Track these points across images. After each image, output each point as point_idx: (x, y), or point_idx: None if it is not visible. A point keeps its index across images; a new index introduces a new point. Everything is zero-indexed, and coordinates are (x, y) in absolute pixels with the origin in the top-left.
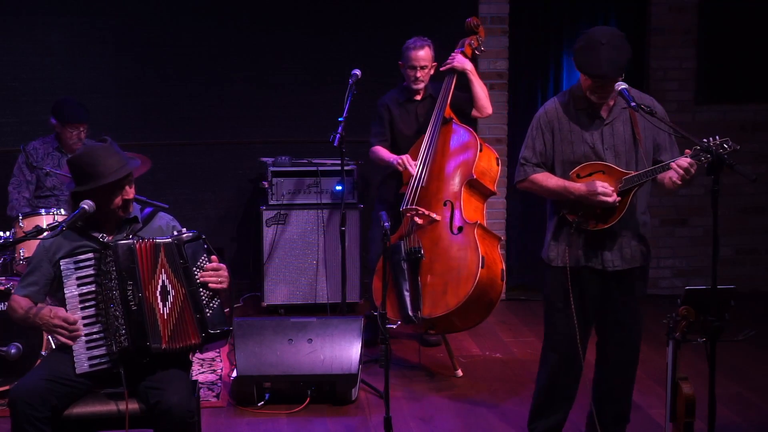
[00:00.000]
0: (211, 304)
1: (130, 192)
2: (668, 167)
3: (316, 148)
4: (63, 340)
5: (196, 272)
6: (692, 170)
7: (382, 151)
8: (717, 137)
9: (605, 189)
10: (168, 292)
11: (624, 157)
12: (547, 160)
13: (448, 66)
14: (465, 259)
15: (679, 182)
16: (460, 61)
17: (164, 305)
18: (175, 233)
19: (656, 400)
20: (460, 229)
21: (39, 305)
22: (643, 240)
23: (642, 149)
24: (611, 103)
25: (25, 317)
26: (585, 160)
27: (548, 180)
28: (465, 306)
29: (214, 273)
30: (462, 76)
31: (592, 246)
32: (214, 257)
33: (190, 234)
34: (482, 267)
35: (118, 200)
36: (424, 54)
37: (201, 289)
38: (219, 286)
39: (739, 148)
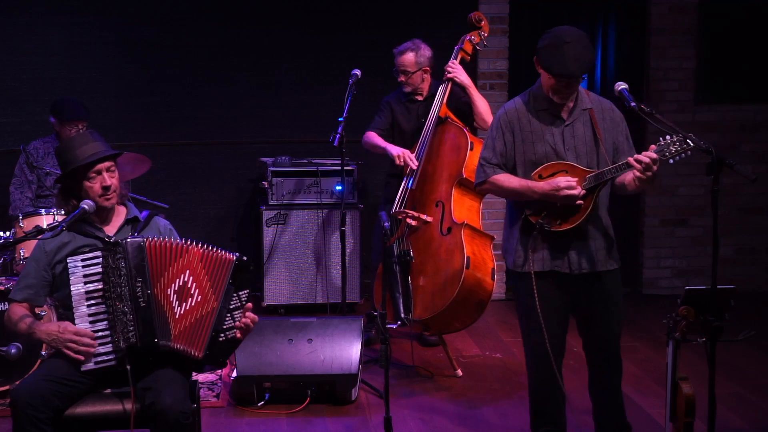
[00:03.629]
0: (228, 334)
1: (108, 179)
2: (629, 165)
3: (316, 148)
4: (73, 356)
5: (234, 298)
6: (654, 167)
7: (377, 138)
8: (680, 133)
9: (569, 183)
10: (190, 295)
11: (585, 158)
12: (507, 160)
13: (447, 76)
14: (451, 261)
15: (643, 177)
16: (459, 74)
17: (180, 305)
18: (237, 254)
19: (656, 400)
20: (449, 229)
21: (35, 320)
22: (610, 242)
23: (603, 149)
24: (571, 104)
25: (19, 327)
26: (546, 161)
27: (510, 180)
28: (452, 307)
29: (251, 324)
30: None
31: (557, 249)
32: (249, 305)
33: (248, 264)
34: (467, 268)
35: (96, 187)
36: (403, 60)
37: (228, 315)
38: (241, 335)
39: (703, 144)
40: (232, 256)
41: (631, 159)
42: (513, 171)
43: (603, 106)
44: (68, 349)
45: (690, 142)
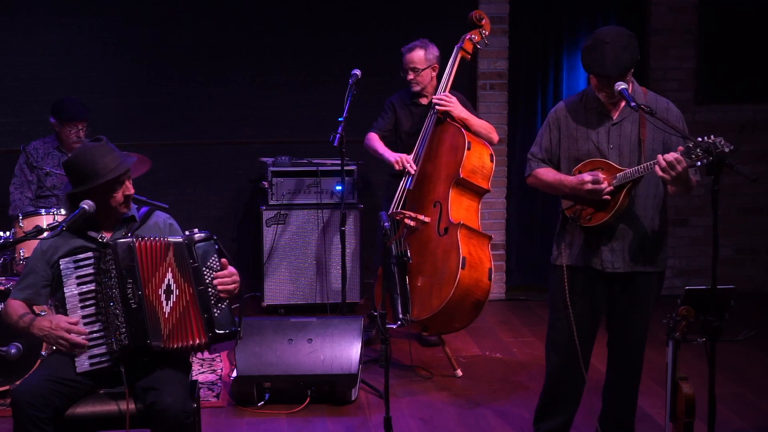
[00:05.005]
0: (220, 305)
1: (130, 187)
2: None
3: (316, 148)
4: (65, 350)
5: (205, 272)
6: (678, 167)
7: (377, 143)
8: (711, 136)
9: (594, 177)
10: (172, 291)
11: (628, 156)
12: (552, 156)
13: (442, 109)
14: (447, 261)
15: (666, 177)
16: (455, 108)
17: (167, 304)
18: (187, 233)
19: (656, 400)
20: (446, 230)
21: (33, 316)
22: (651, 244)
23: (645, 149)
24: (622, 103)
25: (17, 325)
26: (588, 158)
27: (548, 174)
28: (449, 307)
29: (228, 279)
30: (461, 79)
31: (591, 245)
32: (224, 260)
33: (202, 234)
34: (462, 268)
35: (119, 196)
36: (412, 56)
37: (210, 289)
38: (230, 293)
39: (732, 147)
40: (179, 238)
41: (659, 156)
42: (557, 166)
43: (658, 106)
44: (60, 345)
45: (719, 145)
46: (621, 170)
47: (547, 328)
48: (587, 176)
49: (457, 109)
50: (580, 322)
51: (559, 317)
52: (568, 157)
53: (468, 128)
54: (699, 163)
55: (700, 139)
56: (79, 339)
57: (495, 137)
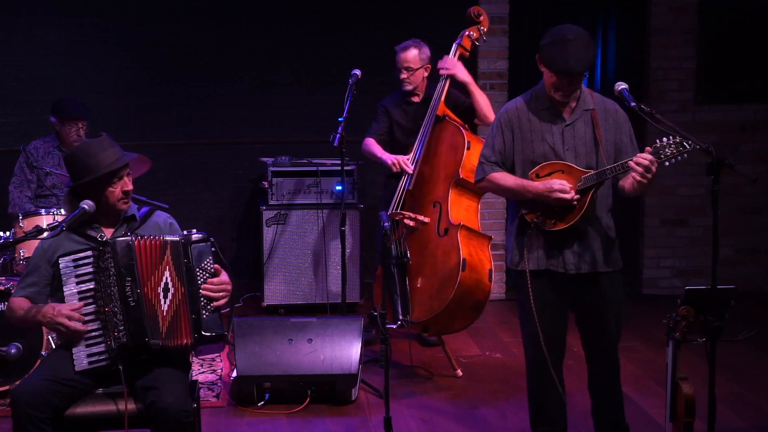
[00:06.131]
0: (209, 307)
1: (128, 183)
2: (627, 167)
3: (316, 148)
4: (72, 327)
5: (198, 273)
6: (653, 168)
7: (375, 147)
8: (677, 137)
9: (562, 186)
10: (169, 290)
11: (585, 158)
12: (506, 159)
13: (443, 72)
14: (447, 262)
15: (643, 180)
16: (458, 71)
17: (165, 302)
18: (185, 232)
19: (656, 400)
20: (446, 231)
21: (39, 306)
22: (610, 244)
23: (602, 150)
24: (573, 104)
25: (25, 317)
26: (544, 160)
27: (506, 179)
28: (449, 309)
29: (216, 288)
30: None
31: (552, 248)
32: (217, 266)
33: (199, 235)
34: (463, 269)
35: (117, 191)
36: (407, 55)
37: (201, 291)
38: (220, 302)
39: (698, 147)
40: (176, 237)
41: (631, 162)
42: (512, 169)
43: (606, 107)
44: (59, 331)
45: (687, 145)
46: (583, 173)
47: (522, 336)
48: (556, 184)
49: (461, 72)
50: (547, 325)
51: (527, 323)
52: (522, 159)
53: (471, 108)
54: (668, 163)
55: (667, 139)
56: (79, 325)
57: (491, 115)
